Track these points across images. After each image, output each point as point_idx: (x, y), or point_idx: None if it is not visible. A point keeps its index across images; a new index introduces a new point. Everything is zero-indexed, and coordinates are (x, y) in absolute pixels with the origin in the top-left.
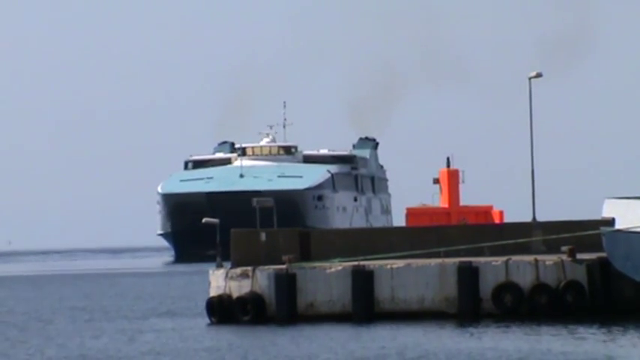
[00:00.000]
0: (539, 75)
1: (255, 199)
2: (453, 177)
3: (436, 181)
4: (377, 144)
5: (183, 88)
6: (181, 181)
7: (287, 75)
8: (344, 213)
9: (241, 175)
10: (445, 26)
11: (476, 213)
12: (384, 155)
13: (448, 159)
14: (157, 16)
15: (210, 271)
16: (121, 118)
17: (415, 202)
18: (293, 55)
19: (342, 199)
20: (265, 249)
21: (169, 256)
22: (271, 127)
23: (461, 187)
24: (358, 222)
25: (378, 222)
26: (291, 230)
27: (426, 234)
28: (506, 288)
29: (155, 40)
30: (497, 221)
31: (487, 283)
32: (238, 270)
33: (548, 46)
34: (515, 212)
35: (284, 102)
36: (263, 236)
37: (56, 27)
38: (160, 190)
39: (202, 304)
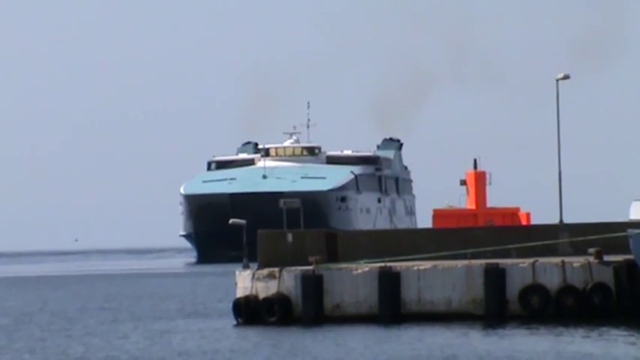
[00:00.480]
0: (566, 77)
1: (282, 200)
2: (480, 179)
3: (463, 182)
4: (401, 145)
5: (207, 89)
6: (204, 182)
7: (311, 75)
8: (367, 214)
9: (264, 176)
10: (474, 26)
11: (503, 215)
12: (408, 156)
13: (475, 160)
14: (181, 16)
15: (237, 272)
16: (145, 119)
17: (441, 204)
18: (317, 55)
19: (365, 200)
20: (292, 250)
21: (191, 257)
22: (295, 128)
23: (488, 188)
24: (382, 223)
25: (402, 223)
26: (317, 231)
27: (453, 235)
28: (533, 290)
29: (179, 40)
30: (524, 223)
31: (514, 285)
32: (265, 271)
33: (578, 48)
34: (543, 214)
35: (308, 102)
36: (290, 237)
37: (84, 27)
38: (182, 191)
39: (228, 305)
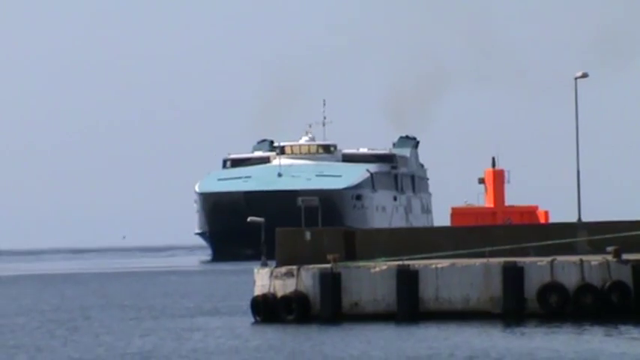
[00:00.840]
0: (585, 75)
1: (300, 198)
2: (499, 177)
3: (481, 180)
4: (417, 143)
5: (223, 87)
6: (219, 180)
7: (327, 72)
8: (383, 213)
9: (279, 175)
10: (492, 23)
11: (521, 213)
12: (425, 154)
13: (493, 159)
14: (195, 12)
15: (255, 270)
16: (161, 117)
17: (458, 202)
18: (333, 52)
19: (381, 198)
20: (310, 248)
21: (206, 255)
22: (310, 126)
23: (506, 187)
24: (398, 222)
25: (418, 221)
26: (336, 229)
27: (471, 234)
28: (552, 288)
29: (195, 38)
30: (542, 221)
31: (532, 284)
32: (283, 269)
33: (598, 46)
34: (561, 212)
35: (323, 100)
36: (308, 235)
37: (104, 24)
38: (197, 189)
39: (245, 303)
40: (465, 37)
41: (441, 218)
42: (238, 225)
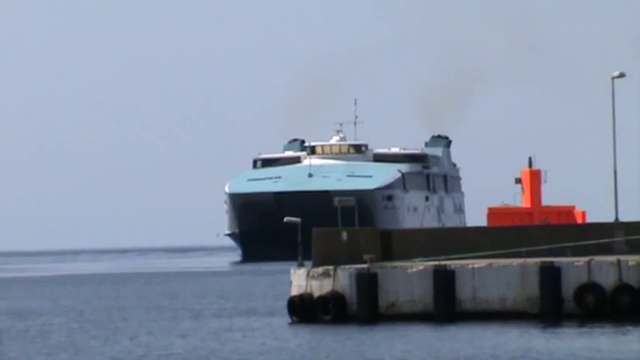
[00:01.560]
0: (622, 75)
1: (336, 199)
2: (536, 177)
3: (518, 180)
4: (449, 142)
5: (254, 86)
6: (249, 180)
7: (359, 71)
8: (415, 213)
9: (310, 175)
10: (529, 21)
11: (558, 213)
12: (459, 153)
13: (530, 159)
14: (227, 11)
15: (292, 270)
16: (192, 117)
17: (492, 202)
18: (365, 51)
19: (412, 198)
20: (347, 248)
21: (236, 255)
22: (341, 125)
23: (543, 187)
24: (430, 222)
25: (450, 221)
26: (372, 229)
27: (508, 234)
28: (589, 288)
29: (226, 37)
30: (579, 221)
31: (569, 284)
32: (320, 269)
33: (636, 46)
34: (598, 212)
35: (355, 99)
36: (344, 235)
37: (132, 23)
38: (227, 189)
39: (280, 303)
40: (501, 36)
41: (475, 218)
42: (268, 226)
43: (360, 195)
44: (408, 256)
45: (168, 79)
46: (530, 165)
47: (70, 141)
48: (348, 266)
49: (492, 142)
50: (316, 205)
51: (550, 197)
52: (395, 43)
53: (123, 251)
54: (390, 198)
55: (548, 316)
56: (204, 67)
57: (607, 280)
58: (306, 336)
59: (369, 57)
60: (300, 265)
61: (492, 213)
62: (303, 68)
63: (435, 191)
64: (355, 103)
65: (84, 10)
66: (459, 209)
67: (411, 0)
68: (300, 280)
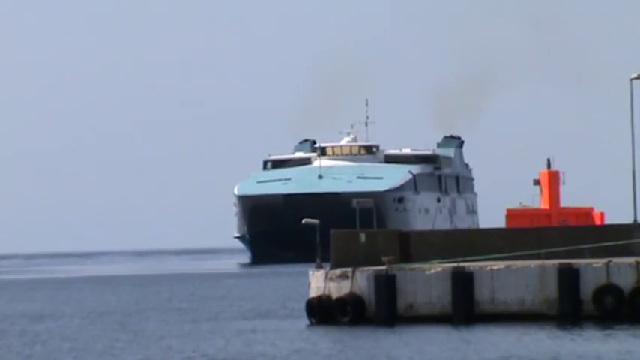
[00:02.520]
0: None
1: (355, 200)
2: (554, 178)
3: (536, 182)
4: (462, 142)
5: (264, 87)
6: (258, 182)
7: (370, 72)
8: (426, 215)
9: (320, 177)
10: (547, 21)
11: (576, 215)
12: (473, 154)
13: (549, 160)
14: (236, 12)
15: (310, 272)
16: (203, 118)
17: (507, 203)
18: (376, 50)
19: (424, 200)
20: (365, 250)
21: (245, 257)
22: (352, 126)
23: (561, 188)
24: (442, 224)
25: (463, 223)
26: (390, 231)
27: (526, 235)
28: (607, 290)
29: (235, 36)
30: (597, 223)
31: (587, 285)
32: (338, 271)
33: None
34: (617, 214)
35: (366, 100)
36: (363, 237)
37: (141, 22)
38: (236, 191)
39: (296, 305)
40: (517, 35)
41: (490, 219)
42: (278, 228)
43: (371, 197)
44: (426, 258)
45: (177, 79)
46: (548, 166)
47: (78, 142)
48: (366, 268)
49: (507, 143)
50: (326, 207)
51: (568, 199)
52: (407, 42)
53: (123, 253)
54: (401, 200)
55: (567, 318)
56: (214, 67)
57: (625, 281)
58: (332, 337)
59: (381, 57)
60: (319, 266)
61: (511, 214)
62: (315, 68)
63: (447, 193)
64: (366, 104)
65: (94, 8)
66: (472, 210)
67: None
68: (318, 281)
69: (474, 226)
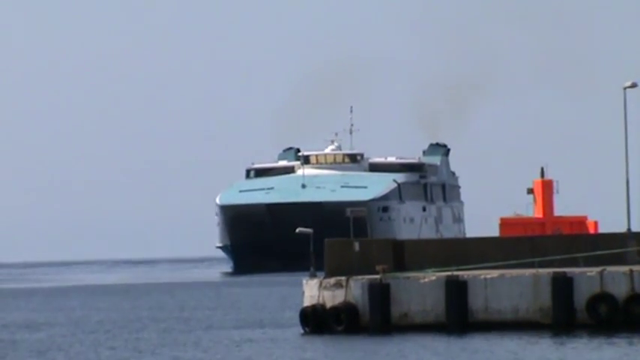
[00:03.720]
0: (634, 85)
1: (348, 209)
2: (548, 187)
3: (530, 191)
4: (448, 150)
5: (248, 94)
6: (241, 191)
7: (355, 78)
8: (411, 224)
9: (303, 186)
10: (541, 27)
11: (570, 223)
12: (460, 162)
13: (542, 169)
14: (219, 18)
15: (304, 281)
16: (185, 125)
17: (500, 212)
18: (361, 56)
19: (409, 209)
20: (359, 259)
21: (227, 267)
22: (337, 134)
23: (555, 197)
24: (427, 233)
25: (449, 232)
26: (385, 240)
27: (520, 244)
28: (601, 298)
29: (218, 42)
30: (591, 232)
31: (581, 294)
32: (332, 280)
33: None
34: (610, 223)
35: (351, 107)
36: (357, 246)
37: (117, 30)
38: (218, 201)
39: (289, 314)
40: (510, 41)
41: (479, 228)
42: (261, 238)
43: (355, 206)
44: (420, 267)
45: (159, 86)
46: (542, 175)
47: (58, 149)
48: (360, 277)
49: (497, 151)
50: (309, 217)
51: (562, 207)
52: (393, 48)
53: (100, 263)
54: (385, 209)
55: (561, 327)
56: (197, 73)
57: (619, 290)
58: (325, 347)
59: (366, 63)
60: (313, 275)
61: (504, 223)
62: (300, 75)
63: (432, 201)
64: (351, 111)
65: (66, 15)
66: (458, 219)
67: (409, 4)
68: (312, 290)
69: (460, 235)
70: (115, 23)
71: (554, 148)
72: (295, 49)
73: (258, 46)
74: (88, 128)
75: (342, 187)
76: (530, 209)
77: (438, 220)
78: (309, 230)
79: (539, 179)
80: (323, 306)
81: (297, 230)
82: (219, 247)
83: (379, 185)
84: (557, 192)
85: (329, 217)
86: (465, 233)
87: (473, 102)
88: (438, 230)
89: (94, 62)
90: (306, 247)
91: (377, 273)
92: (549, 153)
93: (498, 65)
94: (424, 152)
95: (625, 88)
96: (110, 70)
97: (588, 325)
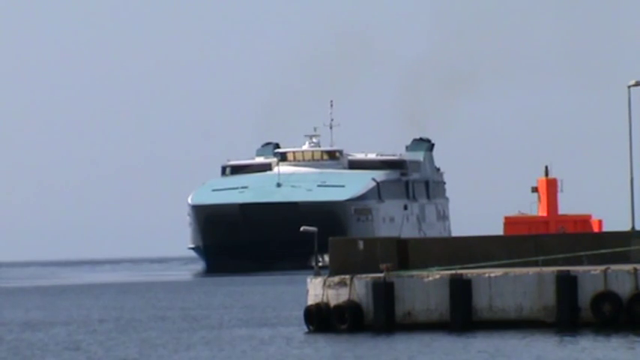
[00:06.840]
0: (638, 83)
1: (302, 227)
2: (552, 186)
3: (534, 189)
4: (432, 145)
5: (225, 89)
6: (213, 190)
7: (334, 71)
8: (391, 223)
9: (278, 185)
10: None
11: (574, 222)
12: (445, 157)
13: (547, 168)
14: (197, 14)
15: (308, 280)
16: (162, 120)
17: (510, 210)
18: (343, 48)
19: (388, 208)
20: (363, 257)
21: (199, 267)
22: (316, 129)
23: (559, 196)
24: (409, 231)
25: (432, 229)
26: (389, 238)
27: (524, 243)
28: (605, 297)
29: (195, 37)
30: (595, 230)
31: (585, 293)
32: (336, 278)
33: None
34: (615, 221)
35: (331, 101)
36: (361, 244)
37: (97, 27)
38: (190, 201)
39: (291, 313)
40: (513, 35)
41: (459, 226)
42: (234, 239)
43: (331, 206)
44: (424, 265)
45: (137, 81)
46: (546, 174)
47: (40, 151)
48: (364, 275)
49: (493, 149)
50: (284, 217)
51: (566, 206)
52: (376, 39)
53: (76, 263)
54: (362, 210)
55: (565, 325)
56: (173, 67)
57: (623, 288)
58: (329, 345)
59: (348, 55)
60: (317, 274)
61: (509, 222)
62: (280, 69)
63: (414, 199)
64: (331, 105)
65: (54, 16)
66: (443, 216)
67: None
68: (316, 289)
69: (445, 233)
70: (86, 22)
71: (559, 146)
72: (276, 41)
73: (238, 38)
74: (61, 128)
75: (319, 186)
76: (535, 208)
77: (421, 218)
78: (313, 228)
79: (543, 178)
80: (327, 304)
81: (302, 229)
82: (192, 249)
83: (357, 184)
84: (562, 191)
85: (305, 218)
86: (450, 231)
87: (465, 97)
88: (420, 229)
89: (68, 57)
90: (280, 248)
91: (381, 271)
92: (553, 151)
93: (496, 60)
94: (407, 148)
95: (629, 87)
96: (88, 67)
97: (592, 324)
